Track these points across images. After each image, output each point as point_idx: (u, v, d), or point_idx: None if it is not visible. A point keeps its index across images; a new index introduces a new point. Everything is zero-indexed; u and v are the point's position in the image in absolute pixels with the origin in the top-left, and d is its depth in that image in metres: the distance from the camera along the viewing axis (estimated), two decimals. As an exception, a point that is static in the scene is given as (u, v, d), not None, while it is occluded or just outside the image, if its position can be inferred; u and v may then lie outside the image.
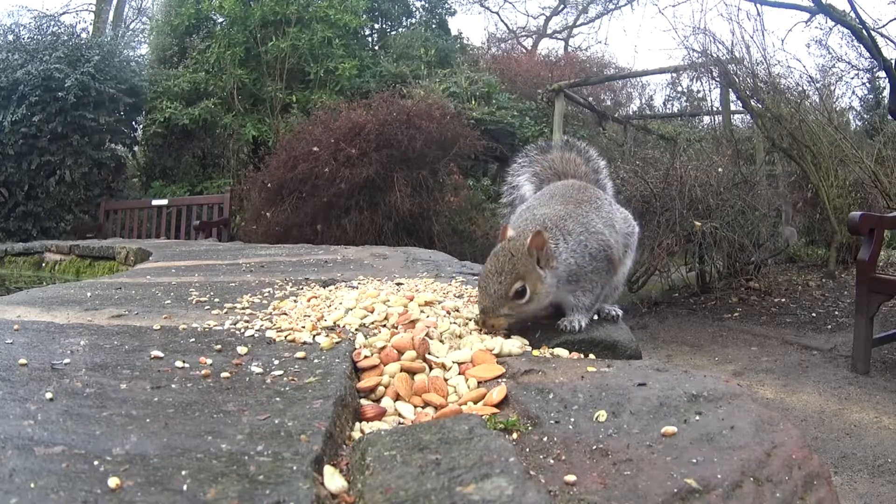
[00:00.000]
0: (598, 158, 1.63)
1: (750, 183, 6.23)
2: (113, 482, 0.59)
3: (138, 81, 8.59)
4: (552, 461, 0.69)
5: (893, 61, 6.47)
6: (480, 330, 1.16)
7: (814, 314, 5.30)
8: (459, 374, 1.01)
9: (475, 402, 0.90)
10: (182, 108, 8.51)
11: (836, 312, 5.28)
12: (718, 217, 5.58)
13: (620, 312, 1.34)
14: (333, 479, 0.65)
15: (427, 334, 1.10)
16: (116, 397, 0.83)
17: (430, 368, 1.02)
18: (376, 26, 11.47)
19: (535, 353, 1.11)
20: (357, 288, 1.54)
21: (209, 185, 8.70)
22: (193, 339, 1.14)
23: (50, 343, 1.11)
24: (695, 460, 0.66)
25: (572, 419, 0.79)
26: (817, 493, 0.62)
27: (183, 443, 0.69)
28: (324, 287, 1.62)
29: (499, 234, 1.27)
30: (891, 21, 10.92)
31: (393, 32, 11.32)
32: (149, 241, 5.41)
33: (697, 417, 0.76)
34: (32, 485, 0.58)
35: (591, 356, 1.12)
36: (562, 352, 1.12)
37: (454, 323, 1.18)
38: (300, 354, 1.03)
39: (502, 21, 18.08)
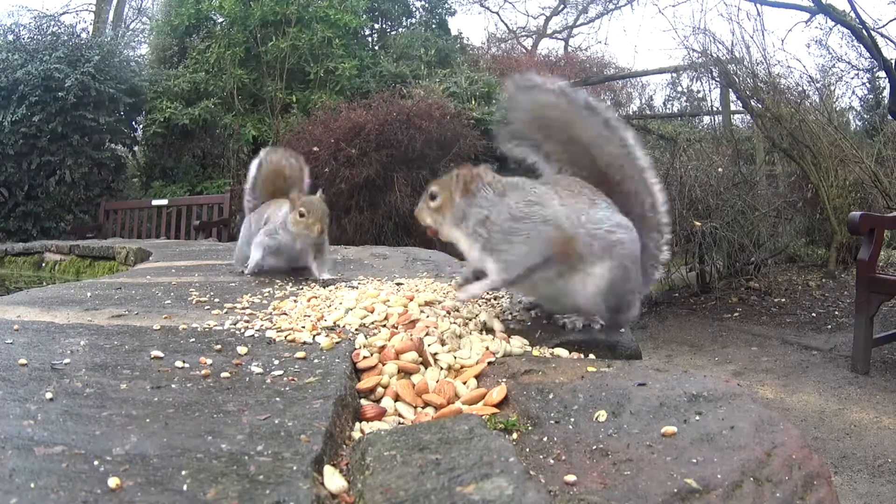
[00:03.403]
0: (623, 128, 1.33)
1: (750, 183, 6.23)
2: (113, 482, 0.59)
3: (138, 81, 8.58)
4: (552, 461, 0.69)
5: (893, 61, 6.48)
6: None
7: (814, 314, 5.30)
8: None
9: (475, 402, 0.90)
10: (182, 108, 8.50)
11: (836, 312, 5.27)
12: (718, 217, 5.58)
13: (598, 326, 1.22)
14: (333, 479, 0.65)
15: (427, 334, 1.11)
16: (116, 397, 0.83)
17: (429, 368, 1.02)
18: (376, 26, 11.45)
19: (535, 352, 1.11)
20: (357, 288, 1.54)
21: (209, 185, 8.69)
22: (193, 339, 1.14)
23: (50, 343, 1.11)
24: (695, 460, 0.66)
25: (572, 419, 0.79)
26: (817, 493, 0.62)
27: (183, 443, 0.69)
28: (324, 287, 1.62)
29: None
30: (891, 21, 10.90)
31: (393, 32, 11.30)
32: (149, 241, 5.40)
33: (697, 417, 0.76)
34: (32, 485, 0.58)
35: (591, 356, 1.12)
36: (562, 352, 1.12)
37: (454, 323, 1.18)
38: (300, 354, 1.03)
39: (502, 21, 18.02)
